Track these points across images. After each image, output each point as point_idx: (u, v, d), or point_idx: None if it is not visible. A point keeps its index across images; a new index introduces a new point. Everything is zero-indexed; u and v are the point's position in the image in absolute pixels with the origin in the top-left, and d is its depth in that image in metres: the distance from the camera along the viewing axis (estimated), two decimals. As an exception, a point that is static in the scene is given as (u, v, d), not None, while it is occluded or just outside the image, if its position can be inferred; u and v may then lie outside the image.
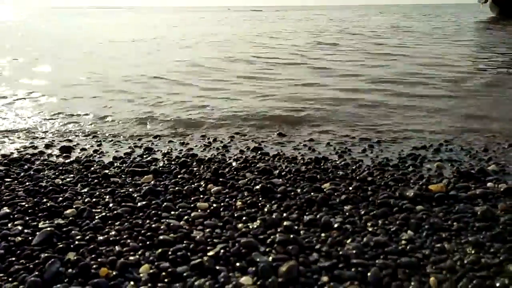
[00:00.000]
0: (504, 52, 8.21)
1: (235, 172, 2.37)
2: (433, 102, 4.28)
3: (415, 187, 2.06)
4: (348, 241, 1.55)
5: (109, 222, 1.72)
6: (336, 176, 2.27)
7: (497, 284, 1.28)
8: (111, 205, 1.88)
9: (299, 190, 2.06)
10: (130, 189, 2.10)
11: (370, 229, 1.65)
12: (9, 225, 1.68)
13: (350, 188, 2.07)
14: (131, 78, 6.03)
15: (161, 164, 2.56)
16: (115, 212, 1.79)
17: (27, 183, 2.17)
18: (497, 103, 4.25)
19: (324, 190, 2.05)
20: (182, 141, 3.18)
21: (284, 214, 1.79)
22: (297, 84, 5.44)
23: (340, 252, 1.46)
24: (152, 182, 2.21)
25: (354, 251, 1.45)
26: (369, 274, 1.33)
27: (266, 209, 1.84)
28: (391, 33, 13.71)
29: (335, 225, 1.66)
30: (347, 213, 1.79)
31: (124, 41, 12.40)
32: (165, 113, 4.02)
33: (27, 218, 1.73)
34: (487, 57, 7.56)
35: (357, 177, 2.23)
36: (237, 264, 1.39)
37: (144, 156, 2.79)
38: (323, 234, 1.61)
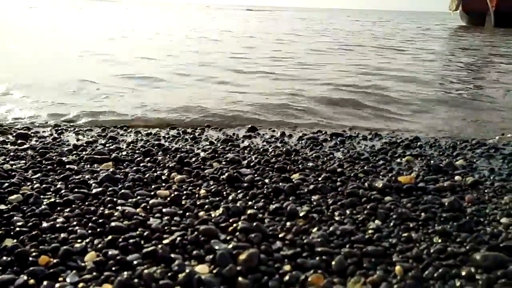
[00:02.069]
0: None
1: (201, 162, 2.26)
2: (403, 101, 4.34)
3: (385, 178, 2.03)
4: (314, 229, 1.48)
5: (58, 208, 1.58)
6: (306, 167, 2.21)
7: (463, 273, 1.24)
8: (62, 191, 1.73)
9: (267, 180, 1.98)
10: (87, 176, 1.96)
11: (337, 218, 1.58)
12: None
13: (319, 179, 2.01)
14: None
15: (124, 153, 2.42)
16: (66, 198, 1.64)
17: (-30, 168, 1.98)
18: (461, 103, 4.35)
19: (293, 180, 1.98)
20: (149, 132, 3.04)
21: (250, 203, 1.70)
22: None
23: (305, 241, 1.39)
24: (111, 169, 2.07)
25: (319, 240, 1.38)
26: (333, 262, 1.26)
27: (231, 198, 1.75)
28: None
29: (301, 214, 1.59)
30: (314, 203, 1.73)
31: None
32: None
33: (-36, 204, 1.56)
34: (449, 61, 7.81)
35: (327, 169, 2.17)
36: (194, 252, 1.28)
37: (107, 145, 2.63)
38: (288, 223, 1.53)
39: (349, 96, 4.48)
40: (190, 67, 6.21)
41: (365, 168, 2.22)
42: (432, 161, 2.41)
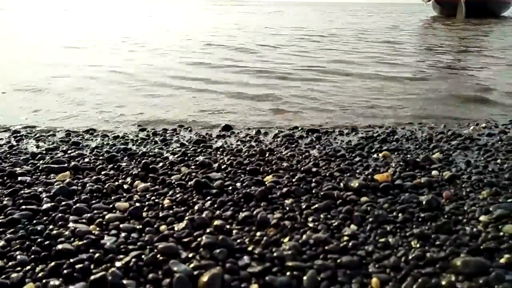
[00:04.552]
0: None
1: (169, 167, 2.12)
2: (372, 94, 4.29)
3: (361, 177, 1.94)
4: (286, 240, 1.37)
5: (0, 230, 1.41)
6: (280, 168, 2.10)
7: (443, 282, 1.15)
8: (8, 209, 1.56)
9: (238, 184, 1.86)
10: (39, 189, 1.78)
11: (310, 225, 1.48)
12: None
13: (293, 180, 1.90)
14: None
15: (86, 160, 2.24)
16: (11, 217, 1.47)
17: None
18: (433, 94, 4.34)
19: (265, 183, 1.87)
20: (116, 135, 2.86)
21: (217, 212, 1.57)
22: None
23: (275, 254, 1.28)
24: (68, 180, 1.90)
25: (290, 252, 1.27)
26: (305, 278, 1.16)
27: (197, 207, 1.61)
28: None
29: (273, 222, 1.48)
30: (287, 208, 1.62)
31: None
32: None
33: None
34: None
35: (302, 169, 2.07)
36: (151, 275, 1.15)
37: (69, 152, 2.44)
38: (258, 233, 1.41)
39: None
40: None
41: (341, 166, 2.13)
42: (408, 156, 2.34)
